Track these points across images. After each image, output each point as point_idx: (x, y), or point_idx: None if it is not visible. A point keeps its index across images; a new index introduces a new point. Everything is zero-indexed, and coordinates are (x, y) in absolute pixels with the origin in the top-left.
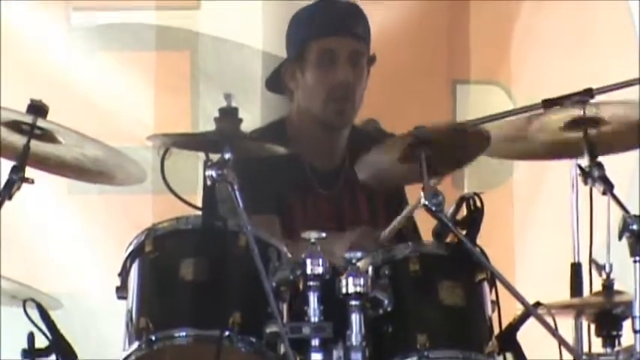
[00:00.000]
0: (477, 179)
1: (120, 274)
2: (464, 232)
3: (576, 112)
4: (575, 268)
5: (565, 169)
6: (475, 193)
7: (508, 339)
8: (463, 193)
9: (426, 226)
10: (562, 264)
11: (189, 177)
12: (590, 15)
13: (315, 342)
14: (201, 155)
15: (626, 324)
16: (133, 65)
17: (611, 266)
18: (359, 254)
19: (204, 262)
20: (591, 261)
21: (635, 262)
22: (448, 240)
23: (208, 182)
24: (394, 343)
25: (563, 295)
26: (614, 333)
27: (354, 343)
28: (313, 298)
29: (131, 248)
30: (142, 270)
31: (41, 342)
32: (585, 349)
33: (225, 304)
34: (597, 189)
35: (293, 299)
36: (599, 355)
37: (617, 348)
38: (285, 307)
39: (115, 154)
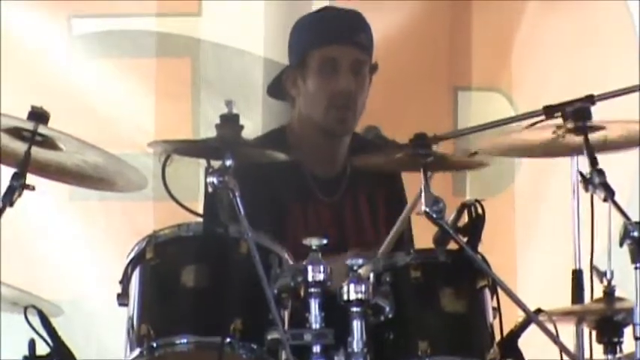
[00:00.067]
0: (478, 186)
1: (121, 281)
2: (465, 239)
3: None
4: (577, 275)
5: (566, 175)
6: (476, 200)
7: (509, 346)
8: (464, 200)
9: (427, 233)
10: (563, 271)
11: (190, 184)
12: (591, 22)
13: (317, 349)
14: (203, 162)
15: (627, 331)
16: (133, 72)
17: (612, 273)
18: (360, 261)
19: (205, 268)
20: (592, 268)
21: (636, 268)
22: (449, 247)
23: (209, 189)
24: (395, 349)
25: (565, 301)
26: (615, 340)
27: (355, 349)
28: (314, 305)
29: (132, 255)
30: (143, 277)
31: (42, 349)
32: (586, 355)
33: (226, 310)
34: (598, 196)
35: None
36: None
37: (618, 355)
38: (286, 314)
39: (115, 161)
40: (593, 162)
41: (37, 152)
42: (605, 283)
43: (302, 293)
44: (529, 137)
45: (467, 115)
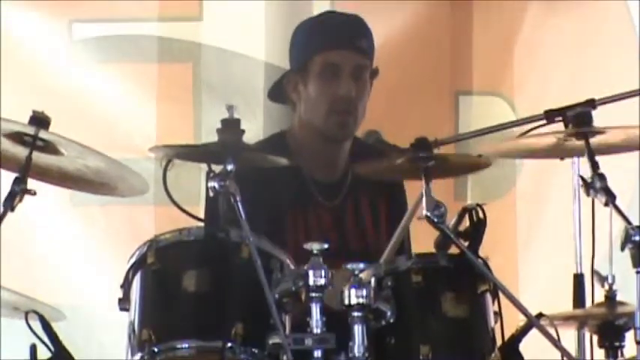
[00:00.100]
0: (479, 190)
1: (122, 286)
2: (466, 244)
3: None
4: (578, 279)
5: (567, 180)
6: (478, 204)
7: (511, 350)
8: (465, 205)
9: (428, 237)
10: (564, 275)
11: (191, 188)
12: (592, 25)
13: (318, 353)
14: (204, 167)
15: (629, 335)
16: (135, 77)
17: (613, 277)
18: (361, 265)
19: (206, 273)
20: (594, 272)
21: (637, 273)
22: (450, 251)
23: (211, 193)
24: (397, 354)
25: (566, 306)
26: (617, 344)
27: (356, 354)
28: (316, 310)
29: (133, 260)
30: (144, 281)
31: (43, 354)
32: None
33: (227, 315)
34: (599, 200)
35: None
36: None
37: (619, 359)
38: (287, 319)
39: (117, 166)
40: (595, 166)
41: (39, 157)
42: (607, 287)
43: (303, 298)
44: (530, 140)
45: (468, 120)
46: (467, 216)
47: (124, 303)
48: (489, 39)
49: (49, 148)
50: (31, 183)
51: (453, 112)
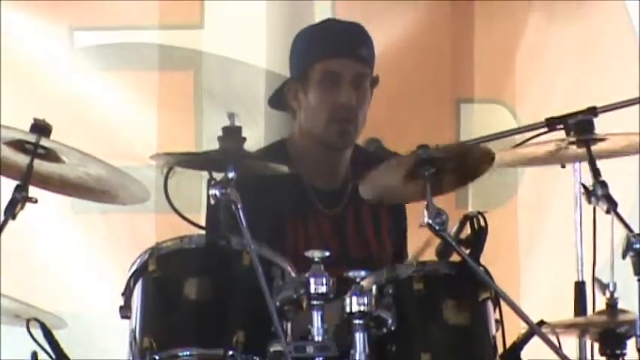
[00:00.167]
0: (481, 198)
1: (123, 294)
2: (468, 251)
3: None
4: (579, 287)
5: (569, 187)
6: (479, 212)
7: (512, 358)
8: (467, 212)
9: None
10: (566, 283)
11: (192, 196)
12: (594, 34)
13: None
14: (205, 174)
15: (630, 343)
16: (136, 84)
17: (615, 285)
18: (363, 273)
19: (207, 281)
20: (595, 280)
21: (638, 280)
22: (452, 259)
23: (212, 201)
24: None
25: (567, 313)
26: (618, 352)
27: None
28: (317, 317)
29: (134, 267)
30: (145, 289)
31: None
32: None
33: (228, 323)
34: (601, 208)
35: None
36: None
37: None
38: (288, 326)
39: (118, 174)
40: (596, 174)
41: (40, 165)
42: (608, 295)
43: (304, 305)
44: (531, 148)
45: (469, 128)
46: (468, 224)
47: (125, 311)
48: (491, 46)
49: (51, 155)
50: (33, 191)
51: (454, 120)
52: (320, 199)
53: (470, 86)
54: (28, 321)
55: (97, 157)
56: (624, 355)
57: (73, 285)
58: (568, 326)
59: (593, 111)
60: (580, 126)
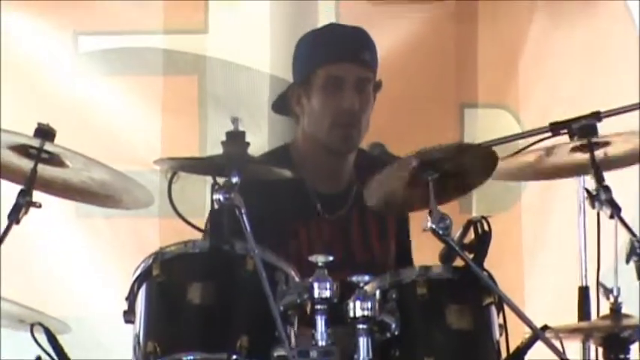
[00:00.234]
0: (485, 203)
1: (127, 298)
2: (471, 256)
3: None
4: (583, 292)
5: (573, 192)
6: (483, 217)
7: None
8: (471, 217)
9: (433, 250)
10: (570, 287)
11: (196, 201)
12: (598, 39)
13: None
14: (209, 179)
15: (634, 347)
16: (140, 89)
17: (618, 290)
18: (366, 277)
19: (211, 285)
20: (599, 284)
21: None
22: (455, 264)
23: (216, 206)
24: None
25: (571, 318)
26: (622, 357)
27: None
28: (320, 322)
29: (138, 272)
30: (149, 294)
31: None
32: None
33: (232, 327)
34: (605, 212)
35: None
36: None
37: None
38: (292, 331)
39: (122, 178)
40: (600, 179)
41: (44, 169)
42: (612, 299)
43: (308, 310)
44: (535, 159)
45: (473, 132)
46: (472, 228)
47: (129, 315)
48: (495, 51)
49: (55, 160)
50: (37, 195)
51: (458, 125)
52: (323, 204)
53: (474, 91)
54: (32, 325)
55: (101, 162)
56: (628, 359)
57: (76, 289)
58: (572, 331)
59: (597, 116)
60: (583, 130)
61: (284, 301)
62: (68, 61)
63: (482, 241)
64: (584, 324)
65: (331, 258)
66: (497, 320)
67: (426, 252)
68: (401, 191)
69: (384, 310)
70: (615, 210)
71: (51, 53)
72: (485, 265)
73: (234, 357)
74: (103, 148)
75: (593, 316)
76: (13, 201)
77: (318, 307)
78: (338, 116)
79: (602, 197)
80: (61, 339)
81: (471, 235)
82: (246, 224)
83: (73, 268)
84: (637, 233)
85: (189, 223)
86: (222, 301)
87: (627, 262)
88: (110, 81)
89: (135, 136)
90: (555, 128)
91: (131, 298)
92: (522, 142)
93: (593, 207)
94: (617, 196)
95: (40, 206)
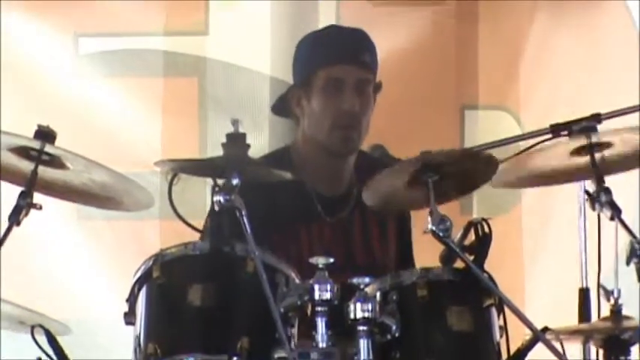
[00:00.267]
0: (485, 205)
1: (128, 300)
2: (472, 258)
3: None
4: (584, 294)
5: (573, 194)
6: (483, 219)
7: None
8: (471, 219)
9: (433, 251)
10: (570, 289)
11: (196, 202)
12: (599, 41)
13: None
14: (209, 181)
15: (635, 349)
16: (140, 91)
17: (619, 291)
18: (367, 279)
19: (212, 287)
20: (599, 286)
21: None
22: (456, 265)
23: (216, 208)
24: None
25: (572, 320)
26: (623, 358)
27: None
28: (321, 324)
29: (139, 274)
30: (149, 296)
31: None
32: None
33: (233, 329)
34: (605, 214)
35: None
36: None
37: None
38: (293, 332)
39: (122, 180)
40: (600, 180)
41: (44, 171)
42: (612, 301)
43: (309, 312)
44: (537, 164)
45: (474, 134)
46: (472, 230)
47: (129, 317)
48: (495, 52)
49: (55, 162)
50: (37, 197)
51: (458, 127)
52: (324, 206)
53: (474, 93)
54: (32, 327)
55: (102, 164)
56: None
57: (77, 291)
58: (572, 333)
59: (597, 117)
60: (584, 132)
61: (284, 302)
62: (68, 62)
63: (483, 243)
64: (584, 326)
65: (332, 260)
66: (497, 322)
67: (426, 254)
68: (401, 191)
69: (385, 311)
70: (616, 212)
71: (51, 55)
72: (486, 266)
73: (235, 359)
74: (104, 149)
75: (594, 317)
76: (13, 203)
77: (319, 309)
78: (338, 118)
79: (602, 199)
80: (62, 341)
81: (471, 237)
82: (247, 226)
83: (74, 270)
84: (637, 235)
85: (189, 225)
86: (222, 302)
87: (628, 263)
88: (111, 82)
89: (135, 138)
90: (556, 130)
91: (131, 299)
92: (523, 144)
93: (594, 209)
94: (617, 198)
95: (40, 208)
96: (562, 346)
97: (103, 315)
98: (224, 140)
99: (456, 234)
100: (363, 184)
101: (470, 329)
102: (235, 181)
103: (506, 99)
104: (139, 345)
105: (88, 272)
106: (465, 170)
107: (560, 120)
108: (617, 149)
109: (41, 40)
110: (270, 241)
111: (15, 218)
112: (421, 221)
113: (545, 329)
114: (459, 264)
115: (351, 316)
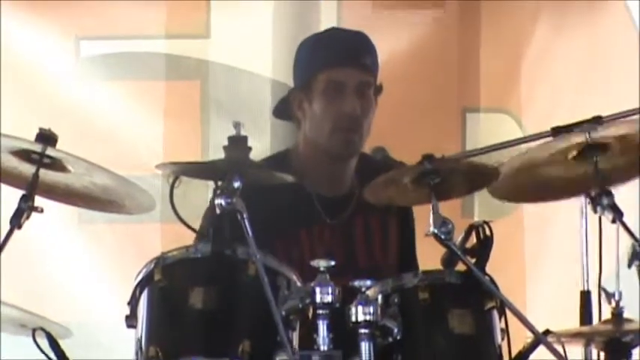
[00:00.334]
0: (487, 207)
1: (129, 303)
2: (473, 261)
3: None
4: (585, 296)
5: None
6: (484, 222)
7: None
8: (473, 222)
9: (435, 254)
10: (571, 292)
11: (198, 205)
12: (600, 44)
13: None
14: (211, 184)
15: (636, 352)
16: (142, 94)
17: (620, 294)
18: (368, 282)
19: (213, 290)
20: (601, 289)
21: None
22: (457, 268)
23: (217, 211)
24: None
25: (573, 323)
26: None
27: None
28: (322, 327)
29: (140, 277)
30: (151, 299)
31: None
32: None
33: (234, 332)
34: (606, 217)
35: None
36: None
37: None
38: (294, 336)
39: (124, 183)
40: (602, 183)
41: (46, 174)
42: (614, 304)
43: (310, 315)
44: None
45: (475, 137)
46: (474, 233)
47: (131, 320)
48: (497, 55)
49: (56, 165)
50: (38, 200)
51: (460, 129)
52: (325, 208)
53: (476, 95)
54: (34, 330)
55: (103, 167)
56: None
57: (78, 294)
58: (574, 335)
59: (599, 120)
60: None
61: (286, 305)
62: (70, 65)
63: (484, 246)
64: (585, 328)
65: (333, 263)
66: (499, 325)
67: (427, 256)
68: (403, 191)
69: (386, 314)
70: (617, 214)
71: (53, 58)
72: (487, 269)
73: None
74: (105, 152)
75: (595, 320)
76: (14, 206)
77: (320, 311)
78: (339, 121)
79: (604, 202)
80: (63, 344)
81: (473, 240)
82: (248, 229)
83: (75, 272)
84: (639, 238)
85: (191, 228)
86: (224, 305)
87: (629, 266)
88: (112, 86)
89: (137, 141)
90: (557, 132)
91: (133, 302)
92: (524, 147)
93: (595, 211)
94: (618, 201)
95: (42, 211)
96: (563, 349)
97: (105, 318)
98: (226, 143)
99: (458, 237)
100: (364, 187)
101: (471, 332)
102: (237, 184)
103: (507, 102)
104: (141, 348)
105: (89, 275)
106: (467, 176)
107: (562, 123)
108: (616, 153)
109: (42, 43)
110: (272, 244)
111: (16, 221)
112: (423, 224)
113: (547, 332)
114: (460, 267)
115: (353, 318)
